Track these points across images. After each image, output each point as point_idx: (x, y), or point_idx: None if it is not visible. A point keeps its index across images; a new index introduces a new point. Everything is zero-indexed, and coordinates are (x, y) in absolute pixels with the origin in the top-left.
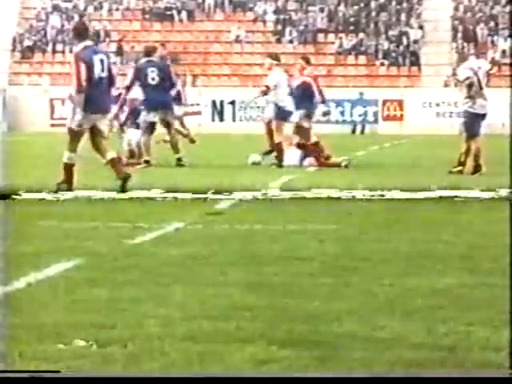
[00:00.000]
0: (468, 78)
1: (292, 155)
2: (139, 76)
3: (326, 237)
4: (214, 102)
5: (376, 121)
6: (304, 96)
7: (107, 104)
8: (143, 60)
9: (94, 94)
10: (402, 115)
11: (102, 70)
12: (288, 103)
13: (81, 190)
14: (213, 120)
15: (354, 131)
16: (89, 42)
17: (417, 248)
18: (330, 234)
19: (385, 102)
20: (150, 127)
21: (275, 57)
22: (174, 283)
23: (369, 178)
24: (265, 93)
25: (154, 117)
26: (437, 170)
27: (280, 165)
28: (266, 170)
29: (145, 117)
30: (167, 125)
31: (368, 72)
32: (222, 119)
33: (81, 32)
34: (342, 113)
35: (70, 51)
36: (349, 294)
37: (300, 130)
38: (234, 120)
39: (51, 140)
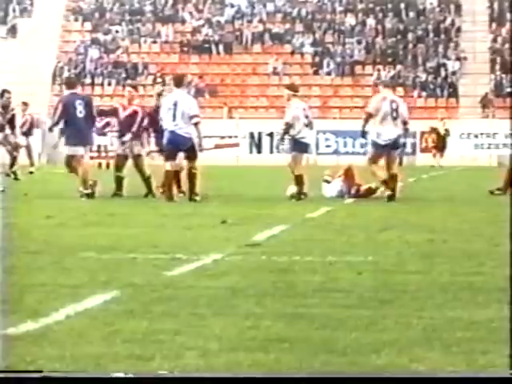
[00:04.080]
0: None
1: (332, 187)
2: (68, 110)
3: (364, 268)
4: (251, 134)
5: (414, 152)
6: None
7: None
8: (67, 93)
9: None
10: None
11: None
12: (305, 135)
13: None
14: (250, 152)
15: None
16: None
17: (456, 280)
18: (368, 266)
19: (423, 133)
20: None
21: (293, 87)
22: (212, 315)
23: (406, 210)
24: (287, 131)
25: (77, 150)
26: (475, 201)
27: (299, 197)
28: (305, 202)
29: (69, 150)
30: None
31: (406, 103)
32: (259, 151)
33: None
34: None
35: (109, 84)
36: (387, 326)
37: (137, 159)
38: (271, 152)
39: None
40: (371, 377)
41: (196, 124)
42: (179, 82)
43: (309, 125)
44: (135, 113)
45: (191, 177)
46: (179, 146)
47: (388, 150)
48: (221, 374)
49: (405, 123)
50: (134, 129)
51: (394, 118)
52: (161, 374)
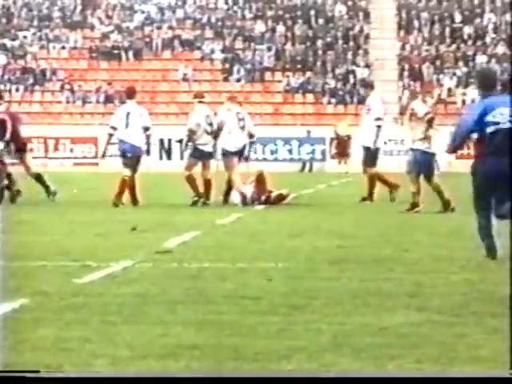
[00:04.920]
0: (428, 113)
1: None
2: None
3: (275, 275)
4: (161, 141)
5: (324, 159)
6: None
7: None
8: None
9: None
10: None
11: None
12: (206, 142)
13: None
14: (161, 158)
15: (302, 169)
16: None
17: (365, 286)
18: (279, 272)
19: (332, 139)
20: None
21: (197, 95)
22: (123, 322)
23: (316, 216)
24: (189, 137)
25: None
26: (383, 207)
27: (205, 203)
28: (215, 209)
29: None
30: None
31: (315, 110)
32: (169, 158)
33: None
34: (290, 151)
35: (17, 90)
36: (297, 332)
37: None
38: (181, 158)
39: None
40: (373, 377)
41: (149, 136)
42: (131, 93)
43: (212, 133)
44: (3, 121)
45: (127, 185)
46: (126, 154)
47: (236, 157)
48: (215, 374)
49: (251, 136)
50: (7, 136)
51: (242, 128)
52: (159, 374)
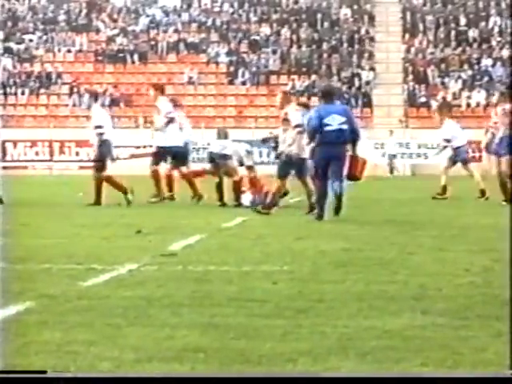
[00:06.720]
0: (298, 126)
1: (246, 197)
2: None
3: (280, 278)
4: None
5: None
6: None
7: None
8: None
9: None
10: None
11: None
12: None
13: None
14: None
15: None
16: None
17: (370, 288)
18: (284, 275)
19: None
20: None
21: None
22: (128, 325)
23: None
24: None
25: None
26: (389, 210)
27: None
28: (221, 211)
29: None
30: None
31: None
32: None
33: None
34: None
35: (22, 93)
36: (302, 335)
37: None
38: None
39: None
40: (375, 377)
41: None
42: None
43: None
44: None
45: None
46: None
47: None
48: (215, 374)
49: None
50: None
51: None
52: (163, 374)
